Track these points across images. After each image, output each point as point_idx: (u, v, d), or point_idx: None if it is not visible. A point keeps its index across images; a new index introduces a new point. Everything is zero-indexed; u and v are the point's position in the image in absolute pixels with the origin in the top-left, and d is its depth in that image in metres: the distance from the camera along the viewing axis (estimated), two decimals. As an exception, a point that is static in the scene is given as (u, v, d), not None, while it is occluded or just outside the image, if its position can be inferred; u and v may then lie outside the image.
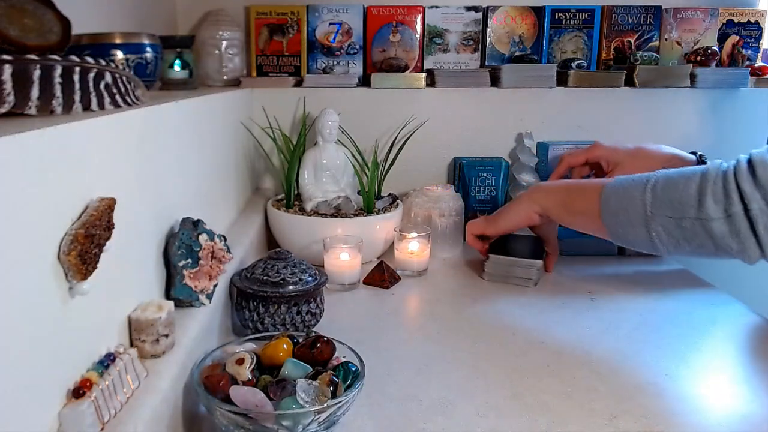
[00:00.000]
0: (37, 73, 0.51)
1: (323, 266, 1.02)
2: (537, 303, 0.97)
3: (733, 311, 0.94)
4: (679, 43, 1.44)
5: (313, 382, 0.59)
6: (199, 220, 0.72)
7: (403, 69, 1.40)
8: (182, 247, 0.68)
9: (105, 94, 0.59)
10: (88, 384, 0.47)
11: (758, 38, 1.45)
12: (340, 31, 1.40)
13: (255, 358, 0.63)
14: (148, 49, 0.89)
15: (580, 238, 1.21)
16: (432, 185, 1.23)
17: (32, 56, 0.51)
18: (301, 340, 0.68)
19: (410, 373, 0.74)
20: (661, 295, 1.00)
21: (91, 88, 0.57)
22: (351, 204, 1.14)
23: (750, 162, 0.74)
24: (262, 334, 0.73)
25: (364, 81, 1.39)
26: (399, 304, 0.98)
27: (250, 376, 0.61)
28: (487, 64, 1.42)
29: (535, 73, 1.32)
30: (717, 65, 1.38)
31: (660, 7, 1.42)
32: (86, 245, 0.45)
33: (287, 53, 1.41)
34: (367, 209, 1.14)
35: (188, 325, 0.66)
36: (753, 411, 0.67)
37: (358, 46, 1.41)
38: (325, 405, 0.57)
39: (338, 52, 1.41)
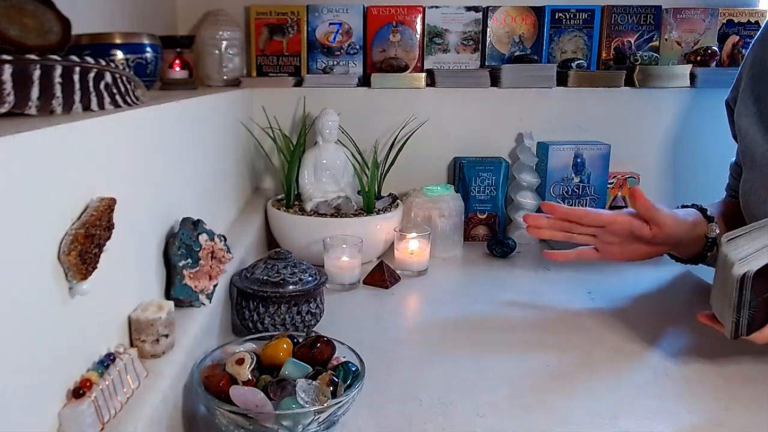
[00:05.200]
0: (37, 73, 0.51)
1: (323, 266, 1.02)
2: (537, 303, 0.97)
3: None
4: (679, 43, 1.44)
5: (313, 382, 0.59)
6: (199, 220, 0.72)
7: (403, 69, 1.40)
8: (182, 247, 0.68)
9: (105, 94, 0.59)
10: (88, 384, 0.47)
11: (758, 38, 1.45)
12: (340, 31, 1.40)
13: (255, 358, 0.63)
14: (148, 49, 0.89)
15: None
16: (432, 185, 1.23)
17: (32, 56, 0.51)
18: (301, 340, 0.68)
19: (410, 373, 0.74)
20: (661, 295, 1.00)
21: (91, 88, 0.57)
22: (351, 204, 1.14)
23: None
24: (262, 334, 0.73)
25: (364, 81, 1.39)
26: (399, 304, 0.98)
27: (250, 376, 0.61)
28: (487, 64, 1.42)
29: (535, 73, 1.32)
30: (717, 65, 1.38)
31: (660, 7, 1.42)
32: (86, 245, 0.45)
33: (287, 53, 1.41)
34: (367, 209, 1.14)
35: (188, 325, 0.66)
36: (753, 411, 0.67)
37: (358, 46, 1.41)
38: (325, 405, 0.57)
39: (338, 52, 1.41)
